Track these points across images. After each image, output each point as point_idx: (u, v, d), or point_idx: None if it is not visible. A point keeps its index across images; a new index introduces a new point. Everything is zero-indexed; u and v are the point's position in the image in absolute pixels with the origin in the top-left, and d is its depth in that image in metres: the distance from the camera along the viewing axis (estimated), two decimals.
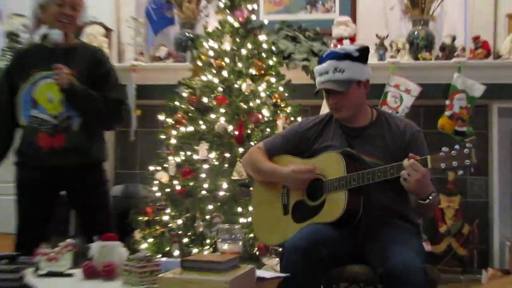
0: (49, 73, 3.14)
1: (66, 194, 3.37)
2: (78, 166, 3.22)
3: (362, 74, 2.90)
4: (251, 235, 3.88)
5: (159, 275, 2.21)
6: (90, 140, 3.26)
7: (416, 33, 5.22)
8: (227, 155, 4.19)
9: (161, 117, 4.50)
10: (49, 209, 3.34)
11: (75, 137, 3.19)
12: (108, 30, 5.50)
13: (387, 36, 5.25)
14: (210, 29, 4.58)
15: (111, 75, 3.35)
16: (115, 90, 3.33)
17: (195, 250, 4.03)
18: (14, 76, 3.23)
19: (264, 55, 4.47)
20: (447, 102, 4.95)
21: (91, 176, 3.32)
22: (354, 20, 5.42)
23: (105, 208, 3.41)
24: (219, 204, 4.12)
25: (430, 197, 2.62)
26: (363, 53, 2.92)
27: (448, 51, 5.14)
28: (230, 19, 4.48)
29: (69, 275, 2.49)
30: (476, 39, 5.17)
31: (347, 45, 3.04)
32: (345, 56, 2.87)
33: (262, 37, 4.53)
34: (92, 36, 5.24)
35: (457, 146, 2.53)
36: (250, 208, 3.81)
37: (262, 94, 4.32)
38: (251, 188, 3.86)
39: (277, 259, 3.66)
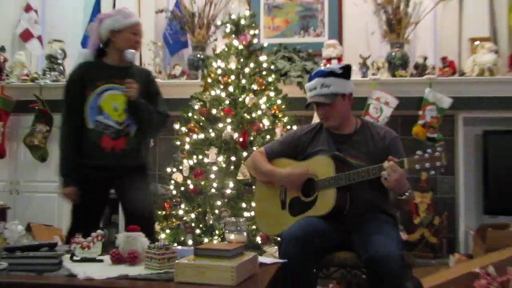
0: (113, 86, 3.17)
1: (115, 191, 3.35)
2: (131, 167, 3.23)
3: (346, 88, 2.90)
4: (254, 226, 3.87)
5: (176, 261, 2.20)
6: (142, 145, 3.29)
7: (393, 54, 5.22)
8: (233, 158, 4.19)
9: (177, 126, 4.50)
10: (101, 205, 3.34)
11: (132, 142, 3.20)
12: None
13: (369, 57, 5.26)
14: (218, 51, 4.59)
15: (159, 93, 3.39)
16: (164, 105, 3.37)
17: (206, 240, 4.02)
18: (84, 85, 3.21)
19: (264, 73, 4.48)
20: (420, 112, 4.96)
21: (140, 176, 3.30)
22: (341, 42, 5.42)
23: (149, 204, 3.38)
24: (226, 200, 4.12)
25: (407, 193, 2.62)
26: (346, 70, 2.92)
27: (421, 69, 5.15)
28: (235, 42, 4.49)
29: (100, 260, 2.48)
30: (444, 59, 5.19)
31: (333, 64, 3.05)
32: (330, 73, 2.87)
33: (262, 58, 4.53)
34: None
35: (429, 150, 2.53)
36: (253, 204, 3.81)
37: (263, 106, 4.32)
38: (253, 187, 3.86)
39: (276, 247, 3.65)
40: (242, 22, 4.54)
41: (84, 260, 2.47)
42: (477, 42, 5.04)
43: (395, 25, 5.22)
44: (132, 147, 3.21)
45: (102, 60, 3.28)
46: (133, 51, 3.22)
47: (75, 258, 2.48)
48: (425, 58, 5.19)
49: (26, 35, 5.89)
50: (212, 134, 4.28)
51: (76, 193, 3.19)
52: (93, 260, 2.48)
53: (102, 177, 3.20)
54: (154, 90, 3.35)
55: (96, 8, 5.84)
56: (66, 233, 3.29)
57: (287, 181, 2.91)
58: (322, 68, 2.96)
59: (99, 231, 2.58)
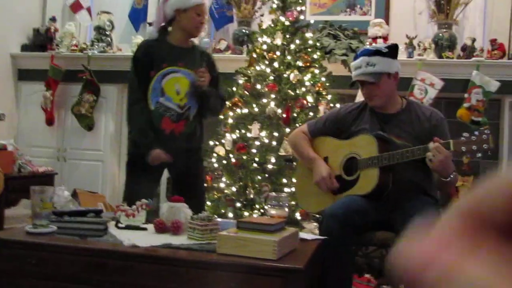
0: (177, 68, 3.16)
1: (169, 171, 3.42)
2: (189, 150, 3.25)
3: (391, 67, 2.84)
4: (293, 202, 3.87)
5: (218, 233, 2.22)
6: (199, 128, 3.31)
7: (441, 34, 5.09)
8: (276, 134, 4.18)
9: None
10: (155, 183, 3.40)
11: (191, 125, 3.22)
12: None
13: (415, 37, 5.14)
14: (264, 27, 4.55)
15: (219, 76, 3.40)
16: (222, 89, 3.40)
17: (246, 213, 4.04)
18: (151, 65, 3.19)
19: (309, 50, 4.42)
20: (466, 95, 4.84)
21: (195, 158, 3.35)
22: (387, 22, 5.31)
23: (201, 186, 3.45)
24: (267, 175, 4.12)
25: (451, 176, 2.58)
26: (392, 49, 2.87)
27: (468, 51, 5.01)
28: (281, 18, 4.44)
29: (144, 229, 2.53)
30: (493, 41, 5.02)
31: (379, 43, 2.97)
32: (376, 52, 2.82)
33: (308, 35, 4.48)
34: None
35: (476, 132, 2.48)
36: (294, 180, 3.80)
37: (307, 83, 4.28)
38: (294, 163, 3.84)
39: (315, 224, 3.65)
40: None
41: (128, 227, 2.52)
42: None
43: (444, 5, 5.08)
44: (191, 130, 3.22)
45: (166, 39, 3.25)
46: (208, 40, 3.24)
47: (120, 225, 2.53)
48: (474, 40, 5.04)
49: (76, 6, 5.95)
50: (256, 109, 4.27)
51: (163, 152, 3.10)
52: (137, 228, 2.53)
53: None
54: (215, 74, 3.33)
55: None
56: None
57: (318, 180, 2.87)
58: (368, 47, 2.91)
59: (143, 200, 2.62)
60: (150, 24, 5.74)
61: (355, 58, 2.91)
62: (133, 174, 3.28)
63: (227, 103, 4.34)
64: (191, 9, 3.18)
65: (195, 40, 3.30)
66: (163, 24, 3.28)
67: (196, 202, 2.93)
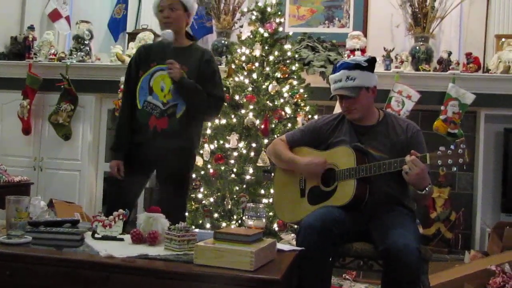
0: (164, 66, 3.13)
1: (157, 169, 3.32)
2: (173, 148, 3.15)
3: (370, 81, 2.87)
4: (271, 213, 3.87)
5: (196, 244, 2.21)
6: (188, 128, 3.20)
7: (417, 47, 5.17)
8: (254, 145, 4.19)
9: None
10: (140, 183, 3.33)
11: (176, 123, 3.14)
12: (156, 35, 5.49)
13: (393, 49, 5.20)
14: (243, 38, 4.57)
15: (216, 74, 3.27)
16: (219, 87, 3.27)
17: (223, 224, 4.03)
18: (139, 67, 3.24)
19: (288, 61, 4.46)
20: (442, 107, 4.90)
21: (180, 159, 3.20)
22: (365, 34, 5.37)
23: (184, 190, 3.31)
24: (245, 186, 4.12)
25: (427, 189, 2.60)
26: (371, 63, 2.89)
27: (445, 64, 5.08)
28: (260, 30, 4.47)
29: (121, 239, 2.50)
30: (468, 55, 5.11)
31: (357, 56, 2.98)
32: (356, 66, 2.84)
33: (287, 46, 4.51)
34: (143, 40, 5.24)
35: (452, 146, 2.50)
36: (272, 191, 3.80)
37: (286, 95, 4.31)
38: (272, 174, 3.85)
39: (292, 234, 3.65)
40: (268, 10, 4.53)
41: (105, 238, 2.49)
42: (503, 39, 4.96)
43: (421, 19, 5.16)
44: (175, 129, 3.14)
45: (162, 42, 3.24)
46: (169, 31, 3.17)
47: (96, 235, 2.51)
48: (450, 53, 5.12)
49: (54, 15, 5.93)
50: (234, 120, 4.28)
51: (118, 166, 3.19)
52: (114, 238, 2.50)
53: (143, 154, 3.18)
54: (209, 71, 3.23)
55: None
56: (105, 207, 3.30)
57: (307, 169, 2.89)
58: (348, 60, 2.92)
59: (120, 211, 2.59)
60: (128, 33, 5.74)
61: (334, 70, 2.93)
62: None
63: None
64: (155, 9, 3.24)
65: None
66: None
67: (176, 203, 2.90)
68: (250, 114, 4.21)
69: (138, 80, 3.22)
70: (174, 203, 3.06)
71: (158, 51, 3.21)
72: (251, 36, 4.49)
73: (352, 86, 2.80)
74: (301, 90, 4.39)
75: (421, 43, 5.17)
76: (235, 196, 4.08)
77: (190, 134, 3.24)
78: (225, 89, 4.34)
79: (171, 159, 3.16)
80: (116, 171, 3.20)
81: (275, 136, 4.01)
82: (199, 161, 4.29)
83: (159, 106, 3.15)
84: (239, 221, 3.96)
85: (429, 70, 5.08)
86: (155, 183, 3.42)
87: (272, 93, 4.26)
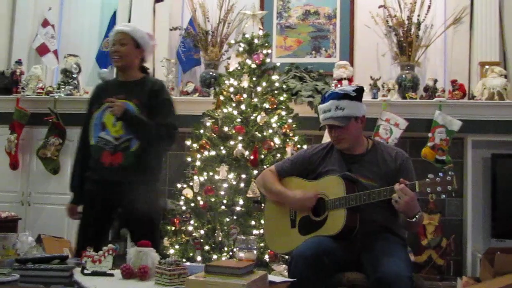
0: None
1: (121, 210, 3.27)
2: (132, 182, 3.14)
3: (359, 110, 2.89)
4: (262, 244, 3.85)
5: (186, 278, 2.19)
6: (145, 161, 3.18)
7: (403, 76, 5.22)
8: (243, 176, 4.18)
9: (188, 142, 4.50)
10: (106, 221, 3.29)
11: (131, 157, 3.13)
12: (145, 68, 5.51)
13: (379, 78, 5.26)
14: (231, 69, 4.60)
15: (166, 103, 3.26)
16: (169, 117, 3.23)
17: (214, 257, 4.00)
18: (93, 104, 3.28)
19: (276, 92, 4.47)
20: (430, 134, 4.94)
21: (142, 192, 3.18)
22: (352, 64, 5.43)
23: (154, 224, 3.29)
24: (235, 217, 4.10)
25: (417, 216, 2.60)
26: (359, 92, 2.92)
27: (431, 91, 5.14)
28: (248, 61, 4.50)
29: (110, 275, 2.47)
30: (453, 82, 5.17)
31: (345, 86, 3.00)
32: (344, 96, 2.86)
33: (274, 77, 4.53)
34: None
35: (441, 174, 2.52)
36: (262, 222, 3.79)
37: (274, 125, 4.32)
38: (263, 205, 3.84)
39: (284, 265, 3.63)
40: (256, 41, 4.56)
41: (94, 274, 2.47)
42: (486, 66, 5.03)
43: (406, 48, 5.22)
44: (131, 163, 3.13)
45: (117, 78, 3.32)
46: (105, 70, 3.25)
47: (86, 271, 2.48)
48: (435, 81, 5.18)
49: (42, 49, 5.94)
50: (223, 151, 4.28)
51: (73, 210, 3.31)
52: (103, 274, 2.47)
53: (103, 192, 3.18)
54: (158, 100, 3.22)
55: (112, 24, 5.87)
56: (75, 246, 3.29)
57: (297, 204, 2.89)
58: (336, 90, 2.95)
59: (110, 245, 2.57)
60: (98, 62, 5.76)
61: (323, 100, 2.94)
62: (84, 210, 3.28)
63: (194, 145, 4.35)
64: (110, 44, 3.29)
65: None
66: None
67: (146, 238, 2.86)
68: (239, 145, 4.21)
69: (91, 117, 3.25)
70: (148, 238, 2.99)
71: (111, 88, 3.27)
72: (239, 68, 4.52)
73: (341, 116, 2.82)
74: (290, 120, 4.40)
75: (407, 71, 5.23)
76: (225, 228, 4.06)
77: (149, 166, 3.22)
78: (213, 120, 4.40)
79: (134, 194, 3.14)
80: (72, 214, 3.32)
81: (265, 166, 4.00)
82: (188, 193, 4.27)
83: (112, 142, 3.16)
84: (230, 253, 3.93)
85: (416, 98, 5.13)
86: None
87: (260, 124, 4.27)
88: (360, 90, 2.92)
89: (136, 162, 3.15)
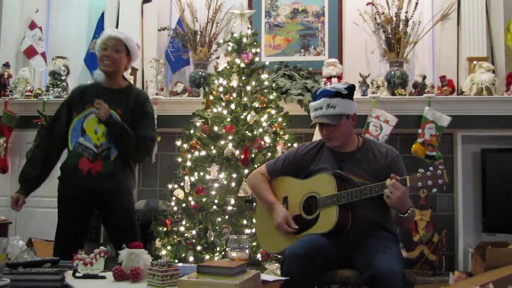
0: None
1: (99, 213, 3.32)
2: (109, 190, 3.17)
3: (350, 109, 2.89)
4: (254, 243, 3.85)
5: (179, 278, 2.18)
6: (123, 170, 3.21)
7: (392, 72, 5.24)
8: (234, 175, 4.17)
9: (178, 143, 4.48)
10: (84, 223, 3.26)
11: (111, 166, 3.15)
12: (134, 69, 5.51)
13: (368, 75, 5.26)
14: (220, 69, 4.59)
15: (148, 116, 3.29)
16: (150, 129, 3.27)
17: (207, 257, 3.99)
18: (72, 107, 3.23)
19: (265, 90, 4.47)
20: (419, 130, 4.95)
21: (121, 202, 3.24)
22: (341, 61, 5.44)
23: (130, 229, 3.29)
24: (227, 217, 4.10)
25: (409, 211, 2.61)
26: (351, 90, 2.92)
27: (420, 88, 5.15)
28: (237, 60, 4.49)
29: (102, 277, 2.46)
30: (442, 78, 5.19)
31: (336, 84, 2.97)
32: (336, 94, 2.85)
33: (264, 76, 4.53)
34: None
35: (431, 168, 2.53)
36: (254, 221, 3.78)
37: (264, 124, 4.31)
38: (254, 204, 3.83)
39: (277, 264, 3.62)
40: (244, 40, 4.55)
41: (86, 276, 2.45)
42: (475, 62, 5.05)
43: (394, 44, 5.24)
44: (110, 171, 3.15)
45: (101, 83, 3.27)
46: (99, 72, 3.19)
47: (77, 274, 2.46)
48: (424, 77, 5.20)
49: (30, 52, 5.91)
50: (214, 151, 4.27)
51: (19, 199, 3.23)
52: (95, 276, 2.46)
53: (82, 195, 3.17)
54: (140, 112, 3.25)
55: (100, 26, 5.88)
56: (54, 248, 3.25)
57: (276, 225, 2.88)
58: (328, 87, 2.94)
59: (101, 248, 2.56)
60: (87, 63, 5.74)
61: (315, 98, 2.93)
62: (61, 213, 3.25)
63: (185, 146, 4.34)
64: (100, 48, 3.23)
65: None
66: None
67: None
68: (230, 145, 4.20)
69: (71, 121, 3.21)
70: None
71: (93, 93, 3.21)
72: (228, 67, 4.51)
73: (333, 114, 2.82)
74: (280, 119, 4.40)
75: (396, 68, 5.25)
76: (217, 228, 4.05)
77: (126, 175, 3.25)
78: (203, 120, 4.38)
79: (111, 203, 3.20)
80: (14, 204, 3.23)
81: (256, 166, 4.00)
82: (180, 194, 4.26)
83: (92, 149, 3.15)
84: (223, 253, 3.92)
85: (405, 94, 5.14)
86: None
87: (250, 123, 4.27)
88: (351, 88, 2.92)
89: (115, 170, 3.17)
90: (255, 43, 4.58)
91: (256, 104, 4.36)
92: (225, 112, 4.36)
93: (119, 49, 3.24)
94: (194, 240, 4.11)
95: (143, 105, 3.28)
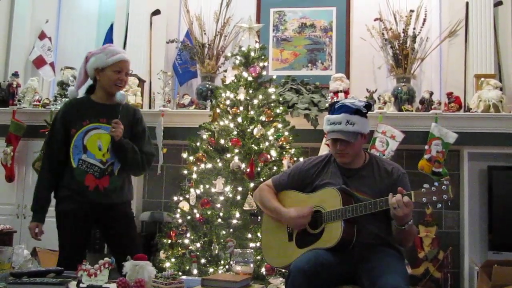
0: (99, 125, 3.16)
1: (100, 226, 3.33)
2: (115, 203, 3.22)
3: (366, 128, 2.90)
4: (259, 257, 3.84)
5: None
6: (125, 182, 3.28)
7: (399, 88, 5.25)
8: (240, 188, 4.18)
9: (184, 155, 4.50)
10: (86, 237, 3.28)
11: (116, 180, 3.19)
12: (141, 81, 5.54)
13: (375, 91, 5.27)
14: (227, 82, 4.61)
15: (145, 132, 3.36)
16: (149, 144, 3.36)
17: (211, 270, 3.98)
18: (70, 123, 3.20)
19: (272, 104, 4.49)
20: (426, 147, 4.95)
21: (124, 212, 3.30)
22: (348, 76, 5.45)
23: (135, 238, 3.35)
24: (232, 230, 4.10)
25: (408, 223, 2.61)
26: (369, 109, 2.92)
27: (427, 104, 5.16)
28: (244, 74, 4.52)
29: None
30: (449, 94, 5.19)
31: (354, 99, 2.92)
32: (356, 111, 2.84)
33: (271, 90, 4.55)
34: (129, 86, 5.27)
35: (436, 183, 2.53)
36: (259, 234, 3.78)
37: (271, 138, 4.32)
38: (259, 218, 3.83)
39: (281, 278, 3.61)
40: (252, 54, 4.58)
41: (90, 287, 2.45)
42: (482, 79, 5.05)
43: (402, 60, 5.25)
44: (116, 186, 3.20)
45: (90, 98, 3.27)
46: (123, 93, 3.21)
47: (81, 285, 2.47)
48: (431, 93, 5.20)
49: (39, 62, 5.97)
50: (220, 164, 4.28)
51: (37, 229, 3.25)
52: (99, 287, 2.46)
53: (85, 210, 3.17)
54: (140, 129, 3.33)
55: (109, 37, 5.92)
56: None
57: (292, 223, 2.88)
58: (348, 103, 2.90)
59: (106, 259, 2.56)
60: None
61: (333, 112, 2.90)
62: (65, 228, 3.24)
63: (191, 158, 4.35)
64: (109, 67, 3.20)
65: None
66: (90, 83, 3.32)
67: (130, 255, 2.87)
68: (236, 158, 4.21)
69: (70, 138, 3.19)
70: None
71: (91, 109, 3.23)
72: (235, 80, 4.53)
73: (352, 131, 2.81)
74: (286, 133, 4.41)
75: (403, 83, 5.26)
76: (222, 241, 4.05)
77: (128, 186, 3.34)
78: (210, 133, 4.40)
79: (115, 214, 3.23)
80: (35, 234, 3.25)
81: (261, 179, 4.00)
82: (185, 206, 4.27)
83: (97, 165, 3.16)
84: (227, 266, 3.91)
85: (412, 110, 5.15)
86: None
87: (257, 137, 4.28)
88: (369, 107, 2.92)
89: (120, 184, 3.23)
90: (262, 57, 4.61)
91: (262, 118, 4.38)
92: (231, 125, 4.38)
93: (129, 72, 3.33)
94: (198, 253, 4.11)
95: (141, 122, 3.37)
